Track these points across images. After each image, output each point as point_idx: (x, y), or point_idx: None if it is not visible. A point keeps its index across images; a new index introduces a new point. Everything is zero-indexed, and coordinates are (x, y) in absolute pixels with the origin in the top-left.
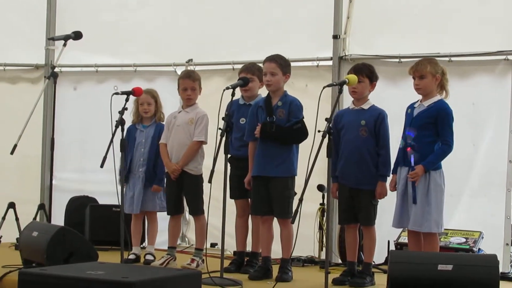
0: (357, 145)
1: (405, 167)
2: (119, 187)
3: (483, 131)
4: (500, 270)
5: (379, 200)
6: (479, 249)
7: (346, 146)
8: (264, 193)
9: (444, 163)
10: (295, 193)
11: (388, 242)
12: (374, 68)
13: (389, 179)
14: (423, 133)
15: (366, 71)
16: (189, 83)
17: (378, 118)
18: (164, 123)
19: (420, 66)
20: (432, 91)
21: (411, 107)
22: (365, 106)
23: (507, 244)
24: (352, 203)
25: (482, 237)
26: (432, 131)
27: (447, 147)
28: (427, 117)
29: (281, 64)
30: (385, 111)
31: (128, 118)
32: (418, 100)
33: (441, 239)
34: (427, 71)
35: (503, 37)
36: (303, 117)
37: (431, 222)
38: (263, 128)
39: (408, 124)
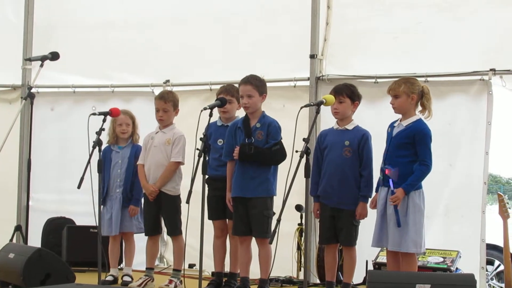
0: (340, 165)
1: (384, 187)
2: (97, 208)
3: (459, 151)
4: None
5: (360, 220)
6: (456, 268)
7: (329, 165)
8: (243, 213)
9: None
10: (274, 213)
11: (367, 262)
12: (355, 88)
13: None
14: (401, 153)
15: (346, 91)
16: (161, 104)
17: (362, 139)
18: (139, 144)
19: (394, 85)
20: (409, 110)
21: (391, 126)
22: (349, 127)
23: (482, 267)
24: (333, 222)
25: (460, 257)
26: (410, 151)
27: (426, 168)
28: (405, 137)
29: (257, 85)
30: (369, 132)
31: (105, 139)
32: (398, 119)
33: (419, 259)
34: (401, 91)
35: (478, 58)
36: (281, 138)
37: (408, 242)
38: (242, 149)
39: (388, 143)
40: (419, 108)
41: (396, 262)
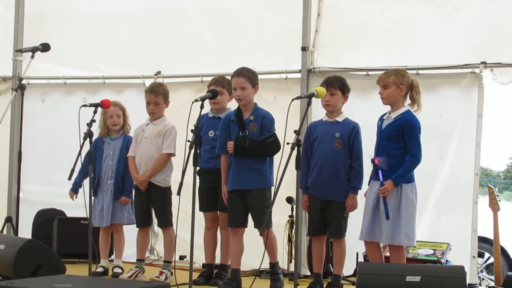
0: (331, 157)
1: (377, 181)
2: (87, 200)
3: (450, 144)
4: (468, 281)
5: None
6: (446, 260)
7: (320, 157)
8: (241, 205)
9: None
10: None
11: (357, 253)
12: (345, 80)
13: (361, 192)
14: (392, 146)
15: (338, 84)
16: (152, 97)
17: (352, 131)
18: (130, 135)
19: (384, 76)
20: (397, 101)
21: (381, 119)
22: (339, 119)
23: (474, 257)
24: (323, 214)
25: (450, 249)
26: (401, 143)
27: (415, 159)
28: (394, 129)
29: (250, 77)
30: (359, 124)
31: (96, 131)
32: (387, 112)
33: (409, 251)
34: (390, 81)
35: (469, 50)
36: (275, 130)
37: (400, 235)
38: (237, 143)
39: (378, 136)
40: (408, 101)
41: (377, 252)
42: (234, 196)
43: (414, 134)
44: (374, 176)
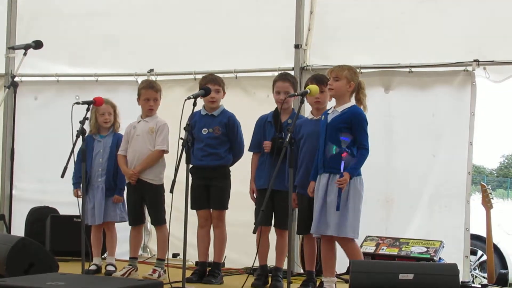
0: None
1: (325, 174)
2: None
3: (443, 142)
4: (461, 279)
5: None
6: (439, 258)
7: (306, 155)
8: (269, 204)
9: (404, 173)
10: None
11: None
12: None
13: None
14: (338, 138)
15: (327, 81)
16: (152, 93)
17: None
18: (120, 132)
19: (337, 68)
20: (344, 96)
21: (325, 113)
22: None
23: (467, 256)
24: (311, 212)
25: (443, 247)
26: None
27: (365, 151)
28: (342, 122)
29: (293, 82)
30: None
31: (87, 129)
32: (331, 107)
33: (402, 248)
34: (343, 75)
35: (462, 48)
36: None
37: (347, 228)
38: (274, 144)
39: (323, 131)
40: (353, 101)
41: (331, 248)
42: (263, 195)
43: (362, 126)
44: (322, 169)
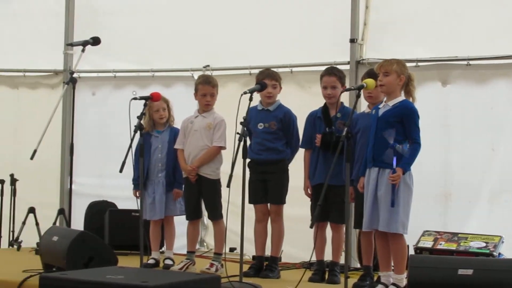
0: None
1: (374, 168)
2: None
3: (502, 136)
4: None
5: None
6: (499, 253)
7: (363, 149)
8: (324, 200)
9: (462, 168)
10: None
11: (408, 246)
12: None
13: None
14: (389, 133)
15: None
16: (209, 89)
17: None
18: (175, 126)
19: (386, 63)
20: (395, 90)
21: (376, 108)
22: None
23: None
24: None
25: (503, 242)
26: (399, 131)
27: (418, 146)
28: (393, 115)
29: (340, 76)
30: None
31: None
32: (382, 101)
33: (461, 243)
34: (392, 69)
35: None
36: None
37: (398, 223)
38: (324, 138)
39: (374, 125)
40: (403, 95)
41: (386, 244)
42: (319, 191)
43: (414, 121)
44: (371, 164)
